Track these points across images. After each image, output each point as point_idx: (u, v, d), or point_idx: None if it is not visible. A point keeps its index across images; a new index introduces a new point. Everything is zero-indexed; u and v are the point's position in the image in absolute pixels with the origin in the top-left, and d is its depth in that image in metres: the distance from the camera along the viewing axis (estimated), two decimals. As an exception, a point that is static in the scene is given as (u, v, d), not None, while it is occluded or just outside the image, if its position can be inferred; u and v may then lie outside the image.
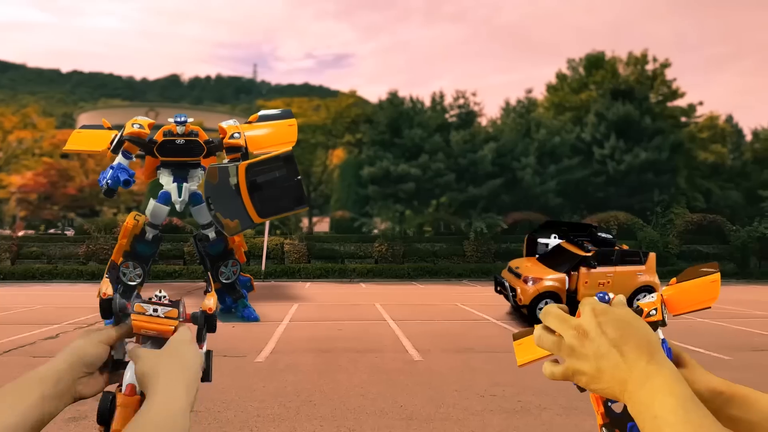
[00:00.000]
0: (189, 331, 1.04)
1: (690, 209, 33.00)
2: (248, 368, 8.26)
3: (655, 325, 1.07)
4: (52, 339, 10.65)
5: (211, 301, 1.18)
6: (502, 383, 7.44)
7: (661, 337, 1.06)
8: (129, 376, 1.01)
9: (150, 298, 1.08)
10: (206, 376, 1.14)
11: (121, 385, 1.01)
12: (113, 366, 1.03)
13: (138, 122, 10.18)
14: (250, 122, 10.54)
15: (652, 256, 14.15)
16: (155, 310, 1.05)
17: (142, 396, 0.94)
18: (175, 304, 1.08)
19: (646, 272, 13.89)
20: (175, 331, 1.06)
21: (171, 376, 0.91)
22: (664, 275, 26.55)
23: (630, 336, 0.78)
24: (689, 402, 0.72)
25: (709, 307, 1.11)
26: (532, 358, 1.09)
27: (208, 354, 1.14)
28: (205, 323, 1.14)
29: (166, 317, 1.05)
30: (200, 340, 1.15)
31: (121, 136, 9.83)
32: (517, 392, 7.00)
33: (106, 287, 1.12)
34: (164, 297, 1.08)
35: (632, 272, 13.67)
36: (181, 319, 1.07)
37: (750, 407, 0.90)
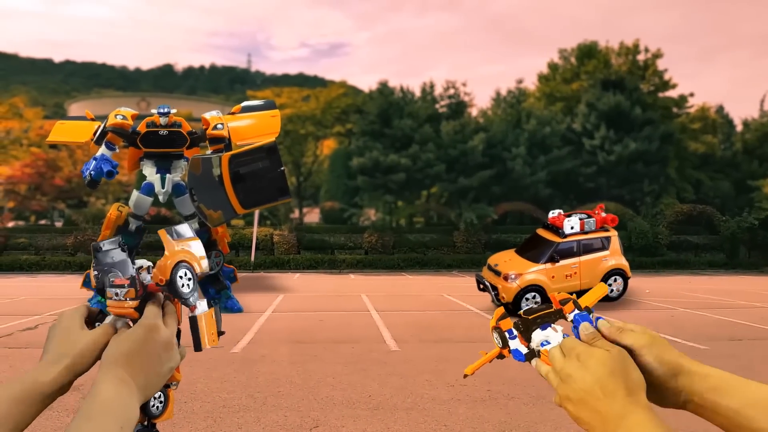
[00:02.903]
0: (154, 308, 1.02)
1: (680, 200, 33.07)
2: (223, 359, 8.24)
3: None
4: (30, 330, 10.62)
5: (162, 272, 1.10)
6: (475, 373, 7.43)
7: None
8: None
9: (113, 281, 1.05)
10: (196, 346, 1.17)
11: None
12: None
13: (121, 113, 10.13)
14: (233, 113, 10.49)
15: (615, 239, 14.08)
16: (117, 294, 1.03)
17: None
18: (131, 284, 1.04)
19: (611, 256, 13.89)
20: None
21: (108, 358, 0.94)
22: (654, 265, 26.84)
23: (611, 374, 0.83)
24: None
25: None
26: (476, 366, 1.13)
27: (192, 321, 1.15)
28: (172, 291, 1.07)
29: (126, 298, 1.03)
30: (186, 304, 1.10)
31: (104, 127, 9.83)
32: (487, 382, 7.00)
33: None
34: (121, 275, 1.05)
35: (597, 259, 13.68)
36: (139, 292, 1.03)
37: (726, 393, 0.88)
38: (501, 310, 1.09)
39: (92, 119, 7.30)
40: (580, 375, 0.85)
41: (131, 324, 1.03)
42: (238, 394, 6.41)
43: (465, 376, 1.14)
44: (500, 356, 1.11)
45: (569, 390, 0.86)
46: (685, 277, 24.56)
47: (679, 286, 20.25)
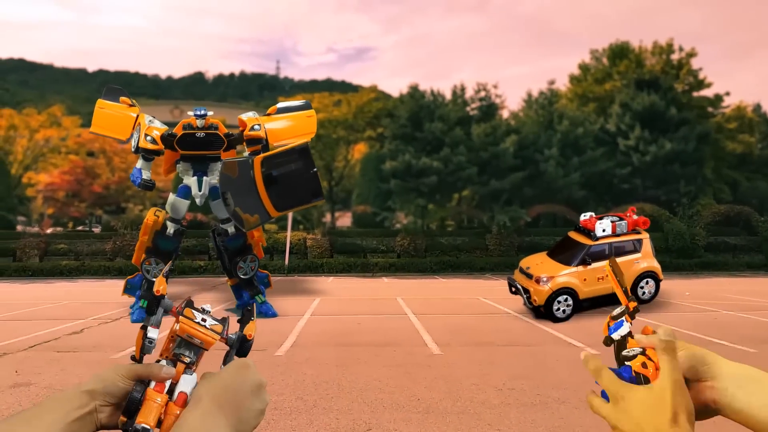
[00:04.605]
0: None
1: (717, 200, 32.46)
2: (268, 362, 8.31)
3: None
4: (76, 334, 10.82)
5: (252, 329, 1.19)
6: (521, 377, 7.39)
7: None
8: (183, 385, 1.02)
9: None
10: None
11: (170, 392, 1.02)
12: (127, 403, 1.00)
13: (151, 134, 10.47)
14: (269, 114, 10.67)
15: (647, 241, 13.92)
16: (204, 320, 1.09)
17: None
18: (222, 321, 1.12)
19: (643, 258, 13.73)
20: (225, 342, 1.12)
21: (197, 392, 0.95)
22: (692, 267, 26.38)
23: (652, 413, 0.84)
24: None
25: None
26: None
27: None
28: (240, 349, 1.13)
29: (212, 329, 1.08)
30: (226, 362, 1.12)
31: (137, 147, 10.09)
32: (535, 386, 6.94)
33: (162, 286, 1.15)
34: (209, 312, 1.13)
35: (629, 261, 13.53)
36: (222, 337, 1.10)
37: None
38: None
39: (130, 105, 7.69)
40: (625, 421, 0.86)
41: (171, 367, 1.05)
42: (287, 397, 6.45)
43: None
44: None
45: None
46: (723, 279, 24.09)
47: (718, 287, 19.87)
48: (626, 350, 0.99)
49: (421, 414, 5.88)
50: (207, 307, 1.13)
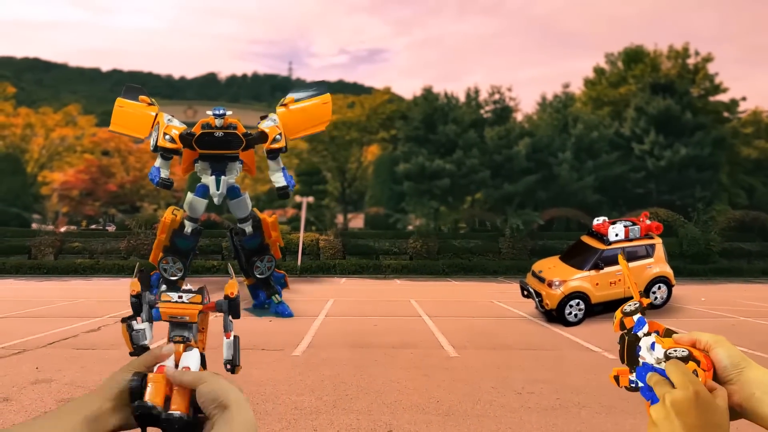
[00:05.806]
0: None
1: (732, 206, 32.23)
2: (286, 362, 8.33)
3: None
4: (94, 332, 10.89)
5: (232, 287, 1.24)
6: (540, 380, 7.37)
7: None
8: (185, 361, 1.07)
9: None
10: (234, 360, 1.27)
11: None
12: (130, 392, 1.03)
13: (170, 133, 10.52)
14: (285, 105, 10.69)
15: (660, 247, 13.85)
16: (180, 297, 1.14)
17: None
18: (199, 291, 1.17)
19: (656, 264, 13.68)
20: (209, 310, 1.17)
21: (238, 393, 0.98)
22: (706, 273, 26.17)
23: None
24: None
25: None
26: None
27: (236, 340, 1.23)
28: (229, 309, 1.20)
29: (190, 302, 1.13)
30: (226, 328, 1.21)
31: (155, 146, 10.13)
32: (555, 390, 6.92)
33: (135, 286, 1.22)
34: (189, 288, 1.18)
35: (642, 267, 13.47)
36: (205, 303, 1.15)
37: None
38: (614, 372, 1.07)
39: (150, 104, 7.77)
40: (699, 416, 0.87)
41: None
42: (307, 397, 6.46)
43: None
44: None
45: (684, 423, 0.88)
46: (738, 285, 23.89)
47: (734, 294, 19.72)
48: (671, 350, 0.99)
49: (442, 416, 5.87)
50: (186, 286, 1.18)
